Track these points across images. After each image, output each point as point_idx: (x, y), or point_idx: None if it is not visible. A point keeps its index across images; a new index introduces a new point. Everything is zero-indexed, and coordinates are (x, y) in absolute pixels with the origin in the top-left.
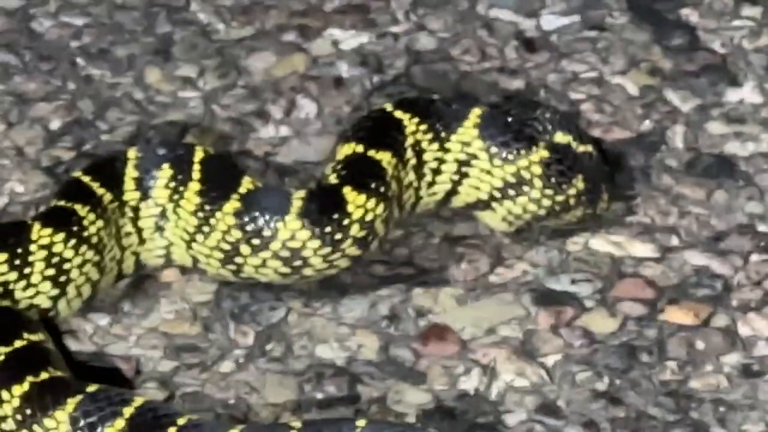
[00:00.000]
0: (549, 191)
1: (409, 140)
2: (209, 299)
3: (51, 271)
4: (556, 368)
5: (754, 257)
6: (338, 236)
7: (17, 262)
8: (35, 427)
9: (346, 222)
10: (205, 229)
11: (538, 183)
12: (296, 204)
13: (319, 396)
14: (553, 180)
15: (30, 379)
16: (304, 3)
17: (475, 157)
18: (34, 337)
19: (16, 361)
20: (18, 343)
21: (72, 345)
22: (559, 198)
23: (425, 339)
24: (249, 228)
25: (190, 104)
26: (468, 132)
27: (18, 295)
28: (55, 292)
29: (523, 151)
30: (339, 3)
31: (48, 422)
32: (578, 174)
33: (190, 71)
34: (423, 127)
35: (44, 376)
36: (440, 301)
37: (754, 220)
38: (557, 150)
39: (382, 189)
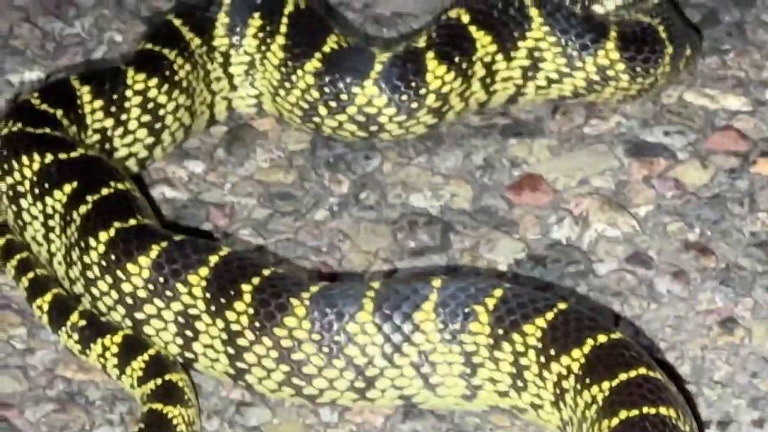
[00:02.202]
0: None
1: (533, 36)
2: (305, 147)
3: (147, 118)
4: (648, 219)
5: None
6: (414, 105)
7: (113, 108)
8: (118, 272)
9: (422, 91)
10: (287, 84)
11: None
12: (376, 68)
13: (412, 244)
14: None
15: (116, 225)
16: None
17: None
18: (121, 186)
19: (104, 208)
20: (105, 191)
21: (167, 192)
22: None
23: (518, 189)
24: (327, 90)
25: None
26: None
27: (117, 143)
28: (151, 140)
29: None
30: None
31: (131, 267)
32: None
33: None
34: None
35: (131, 222)
36: (534, 151)
37: None
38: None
39: (464, 65)
